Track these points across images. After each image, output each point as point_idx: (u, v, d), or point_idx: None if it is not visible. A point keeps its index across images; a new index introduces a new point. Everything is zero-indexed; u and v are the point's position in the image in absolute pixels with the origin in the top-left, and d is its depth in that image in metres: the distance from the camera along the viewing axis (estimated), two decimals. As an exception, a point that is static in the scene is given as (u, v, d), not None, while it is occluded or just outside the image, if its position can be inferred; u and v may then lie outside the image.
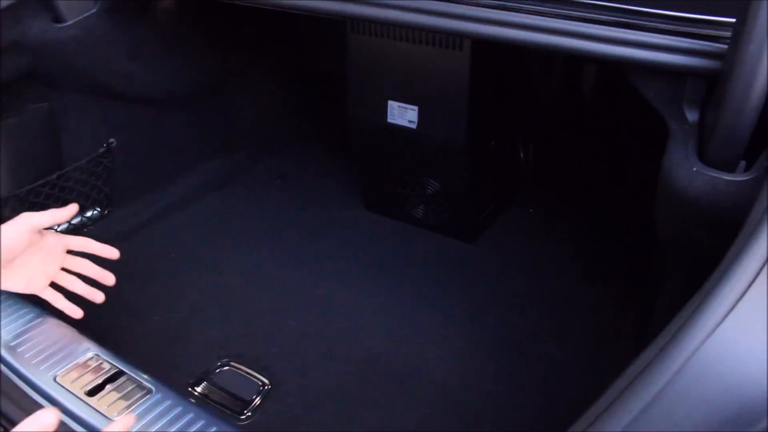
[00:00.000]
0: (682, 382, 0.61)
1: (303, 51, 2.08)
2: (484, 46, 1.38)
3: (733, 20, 0.79)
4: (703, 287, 0.67)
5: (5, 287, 1.01)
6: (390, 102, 1.51)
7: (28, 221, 0.99)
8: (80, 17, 1.44)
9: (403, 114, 1.50)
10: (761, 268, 0.65)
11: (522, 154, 1.72)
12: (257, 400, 1.20)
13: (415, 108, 1.48)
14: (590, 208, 1.77)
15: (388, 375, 1.28)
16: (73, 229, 1.67)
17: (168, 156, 1.80)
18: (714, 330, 0.62)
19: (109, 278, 1.08)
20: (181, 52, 1.68)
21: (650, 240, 1.60)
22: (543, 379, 1.26)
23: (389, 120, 1.53)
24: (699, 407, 0.60)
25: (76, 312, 1.06)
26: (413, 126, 1.50)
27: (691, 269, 1.00)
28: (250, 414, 1.18)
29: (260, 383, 1.23)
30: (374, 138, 1.60)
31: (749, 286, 0.64)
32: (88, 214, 1.70)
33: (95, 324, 1.19)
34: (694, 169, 0.83)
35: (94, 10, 1.45)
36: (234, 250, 1.64)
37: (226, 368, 1.26)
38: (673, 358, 0.62)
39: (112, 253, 1.07)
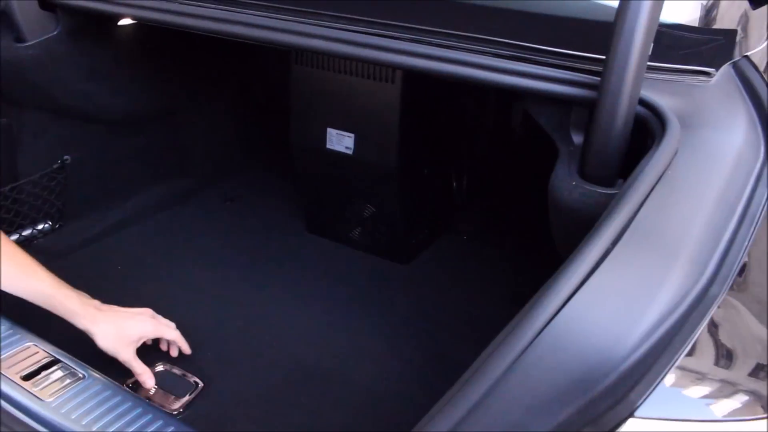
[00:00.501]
0: (536, 352, 0.71)
1: (255, 80, 2.19)
2: (413, 80, 1.51)
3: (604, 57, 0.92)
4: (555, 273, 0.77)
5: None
6: (329, 129, 1.63)
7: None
8: (41, 38, 1.53)
9: (340, 141, 1.62)
10: (601, 257, 0.76)
11: (455, 184, 1.84)
12: (189, 398, 1.27)
13: (352, 135, 1.60)
14: (519, 235, 1.89)
15: (315, 380, 1.36)
16: (24, 241, 1.74)
17: (121, 175, 1.88)
18: (560, 308, 0.73)
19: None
20: (139, 76, 1.78)
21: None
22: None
23: (328, 146, 1.64)
24: (551, 373, 0.70)
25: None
26: (350, 152, 1.61)
27: None
28: (181, 410, 1.25)
29: (193, 383, 1.31)
30: (315, 163, 1.71)
31: (592, 271, 0.75)
32: (40, 227, 1.77)
33: (41, 327, 1.28)
34: (573, 183, 0.96)
35: (55, 33, 1.54)
36: (180, 265, 1.72)
37: (160, 368, 1.33)
38: (527, 329, 0.72)
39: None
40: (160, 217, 1.94)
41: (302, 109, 1.65)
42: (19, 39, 1.52)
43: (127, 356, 1.23)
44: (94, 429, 0.93)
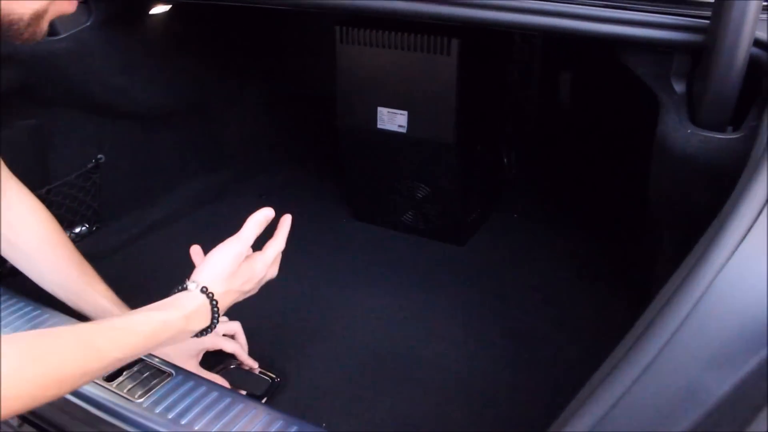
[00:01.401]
0: (702, 310, 0.65)
1: (290, 69, 2.13)
2: (469, 51, 1.45)
3: (713, -2, 0.86)
4: (705, 234, 0.71)
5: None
6: (380, 108, 1.56)
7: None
8: (74, 30, 1.47)
9: (392, 119, 1.55)
10: (762, 207, 0.70)
11: (506, 160, 1.78)
12: (268, 395, 1.20)
13: (405, 113, 1.53)
14: (571, 210, 1.83)
15: (395, 366, 1.30)
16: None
17: (156, 173, 1.81)
18: (723, 266, 0.67)
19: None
20: (173, 68, 1.71)
21: (636, 233, 1.68)
22: (545, 362, 1.30)
23: (379, 126, 1.57)
24: (727, 325, 0.63)
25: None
26: (403, 131, 1.55)
27: (690, 231, 1.05)
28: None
29: (269, 379, 1.24)
30: (364, 145, 1.65)
31: (753, 223, 0.69)
32: (77, 230, 1.70)
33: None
34: (689, 131, 0.89)
35: (87, 24, 1.48)
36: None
37: (232, 367, 1.26)
38: (690, 294, 0.65)
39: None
40: (196, 215, 1.87)
41: (350, 89, 1.58)
42: (51, 32, 1.46)
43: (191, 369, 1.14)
44: (195, 428, 0.86)
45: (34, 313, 1.08)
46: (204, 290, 0.95)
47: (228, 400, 0.91)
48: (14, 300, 1.10)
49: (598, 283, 1.54)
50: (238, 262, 1.00)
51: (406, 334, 1.38)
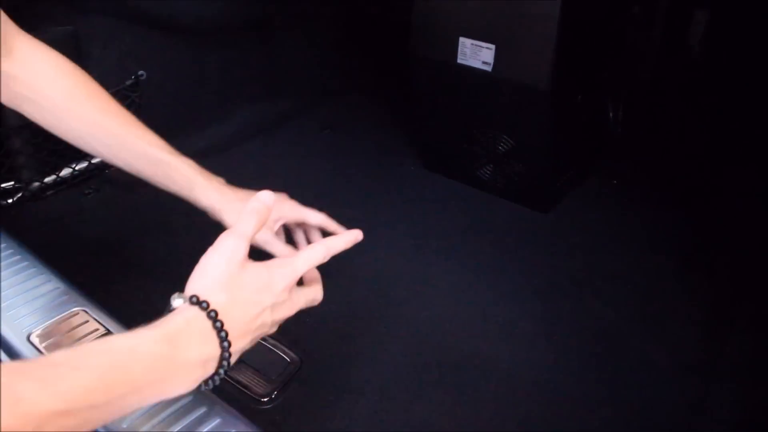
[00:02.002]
0: None
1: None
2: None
3: None
4: None
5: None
6: (462, 39, 1.27)
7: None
8: None
9: (476, 54, 1.26)
10: None
11: (611, 114, 1.46)
12: (283, 381, 0.99)
13: (492, 47, 1.24)
14: (685, 186, 1.51)
15: (445, 361, 1.05)
16: (93, 170, 1.49)
17: (204, 96, 1.60)
18: None
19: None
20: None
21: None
22: (637, 382, 1.02)
23: (460, 60, 1.29)
24: None
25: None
26: (488, 68, 1.26)
27: None
28: (274, 395, 0.96)
29: (287, 359, 1.02)
30: (440, 82, 1.37)
31: None
32: (112, 154, 1.51)
33: (101, 282, 1.02)
34: None
35: None
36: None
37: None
38: None
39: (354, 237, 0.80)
40: (248, 146, 1.65)
41: (428, 12, 1.30)
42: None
43: (266, 236, 0.95)
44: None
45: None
46: (195, 300, 0.63)
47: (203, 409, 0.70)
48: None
49: (705, 281, 1.24)
50: (238, 262, 0.66)
51: (462, 324, 1.13)
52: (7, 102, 0.86)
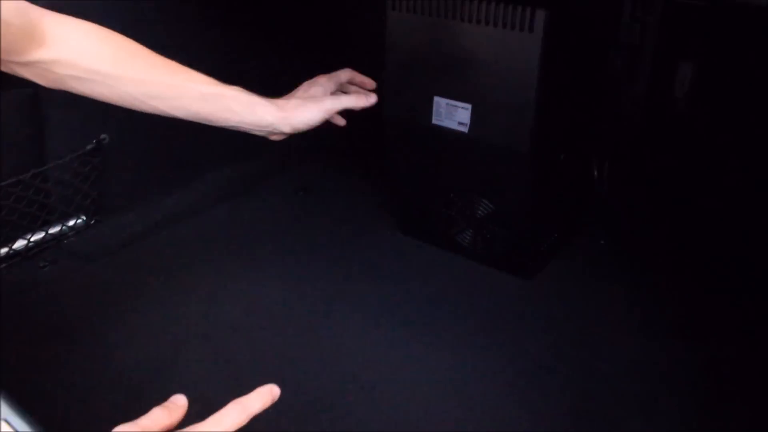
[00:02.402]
0: None
1: (337, 41, 1.79)
2: (560, 28, 1.08)
3: None
4: None
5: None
6: (436, 99, 1.21)
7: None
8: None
9: (452, 114, 1.20)
10: None
11: (596, 173, 1.39)
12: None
13: (468, 106, 1.18)
14: (680, 243, 1.43)
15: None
16: (51, 240, 1.40)
17: (171, 159, 1.52)
18: None
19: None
20: (194, 30, 1.41)
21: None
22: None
23: (435, 121, 1.22)
24: None
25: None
26: (464, 129, 1.19)
27: None
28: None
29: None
30: (415, 145, 1.30)
31: None
32: (71, 222, 1.43)
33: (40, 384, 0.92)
34: None
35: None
36: (238, 274, 1.35)
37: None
38: None
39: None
40: (216, 211, 1.57)
41: (400, 71, 1.24)
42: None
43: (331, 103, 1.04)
44: None
45: None
46: None
47: None
48: None
49: (708, 349, 1.15)
50: None
51: (438, 403, 1.04)
52: (55, 86, 0.87)
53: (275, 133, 1.03)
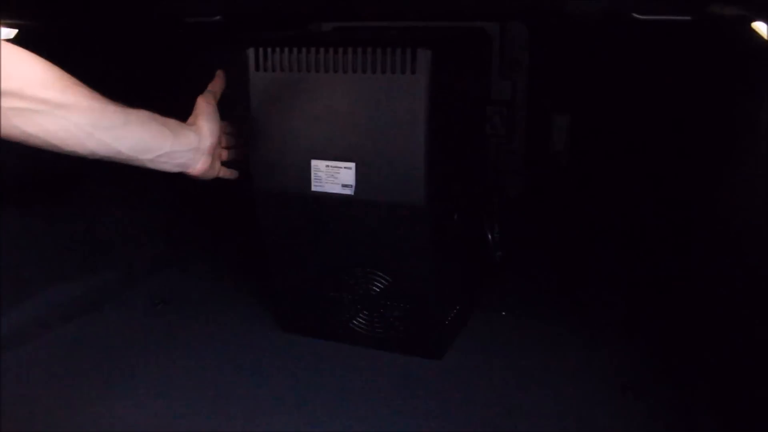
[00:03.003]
0: None
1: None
2: (443, 69, 1.00)
3: None
4: None
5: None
6: (314, 162, 1.07)
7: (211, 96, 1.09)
8: None
9: (333, 176, 1.07)
10: None
11: (490, 237, 1.30)
12: None
13: (351, 165, 1.05)
14: (581, 303, 1.35)
15: None
16: None
17: (5, 272, 1.26)
18: None
19: None
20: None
21: (682, 331, 1.20)
22: None
23: (315, 188, 1.08)
24: None
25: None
26: (349, 191, 1.06)
27: None
28: None
29: None
30: (293, 218, 1.14)
31: None
32: None
33: None
34: None
35: None
36: (95, 400, 1.09)
37: None
38: None
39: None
40: (61, 332, 1.30)
41: (270, 134, 1.10)
42: None
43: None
44: None
45: None
46: None
47: None
48: None
49: (639, 402, 1.04)
50: None
51: None
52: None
53: (197, 157, 1.03)
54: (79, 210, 1.39)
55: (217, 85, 1.12)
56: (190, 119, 1.05)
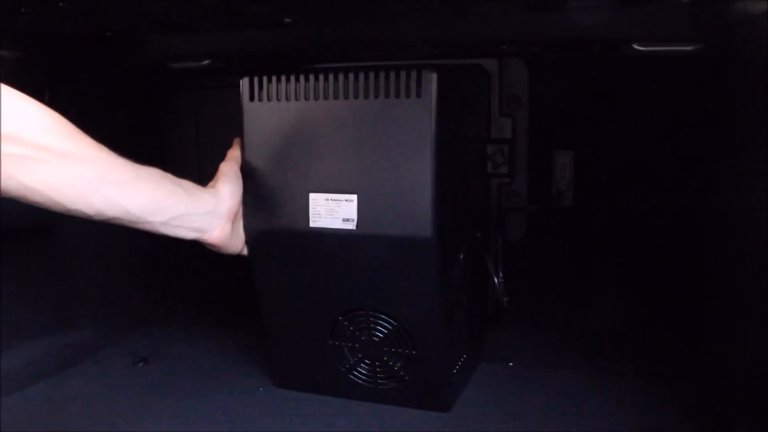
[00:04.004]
0: None
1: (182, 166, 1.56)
2: (448, 92, 0.95)
3: None
4: None
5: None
6: (313, 196, 1.01)
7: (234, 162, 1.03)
8: None
9: (334, 211, 1.00)
10: None
11: (496, 281, 1.22)
12: None
13: (353, 198, 0.99)
14: (590, 348, 1.28)
15: None
16: None
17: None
18: None
19: None
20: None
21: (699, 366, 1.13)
22: None
23: (313, 224, 1.01)
24: None
25: None
26: (351, 226, 0.99)
27: None
28: None
29: None
30: (289, 259, 1.07)
31: None
32: None
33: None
34: None
35: None
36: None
37: None
38: None
39: None
40: (34, 392, 1.19)
41: (264, 168, 1.03)
42: None
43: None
44: None
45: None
46: None
47: None
48: None
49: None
50: None
51: None
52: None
53: (214, 221, 0.95)
54: (50, 260, 1.30)
55: (235, 151, 1.04)
56: (210, 183, 0.98)
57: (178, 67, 1.44)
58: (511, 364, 1.28)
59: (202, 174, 1.02)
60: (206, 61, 1.38)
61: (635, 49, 1.13)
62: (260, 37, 1.24)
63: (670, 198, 1.28)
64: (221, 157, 1.05)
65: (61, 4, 0.96)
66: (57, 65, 1.27)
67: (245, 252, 1.05)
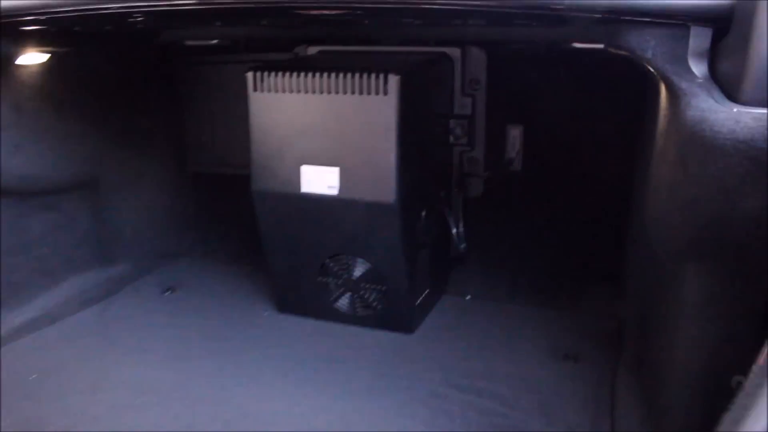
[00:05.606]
0: None
1: (193, 140, 1.84)
2: (411, 90, 1.22)
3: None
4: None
5: None
6: (304, 167, 1.29)
7: None
8: None
9: (320, 179, 1.29)
10: None
11: (454, 231, 1.52)
12: None
13: (336, 170, 1.27)
14: (533, 286, 1.58)
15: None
16: None
17: (30, 264, 1.46)
18: None
19: None
20: (47, 132, 1.40)
21: (615, 303, 1.43)
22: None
23: (304, 190, 1.30)
24: None
25: None
26: (334, 192, 1.28)
27: (737, 259, 0.80)
28: None
29: None
30: (286, 215, 1.36)
31: None
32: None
33: None
34: (735, 110, 0.67)
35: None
36: (117, 364, 1.30)
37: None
38: None
39: None
40: (82, 316, 1.51)
41: (267, 146, 1.32)
42: None
43: None
44: None
45: None
46: None
47: None
48: None
49: (578, 365, 1.27)
50: None
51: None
52: None
53: None
54: (94, 209, 1.58)
55: None
56: None
57: (190, 44, 1.70)
58: (468, 297, 1.58)
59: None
60: (214, 41, 1.64)
61: (573, 46, 1.38)
62: (261, 30, 1.49)
63: (600, 163, 1.55)
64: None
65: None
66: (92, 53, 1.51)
67: None
